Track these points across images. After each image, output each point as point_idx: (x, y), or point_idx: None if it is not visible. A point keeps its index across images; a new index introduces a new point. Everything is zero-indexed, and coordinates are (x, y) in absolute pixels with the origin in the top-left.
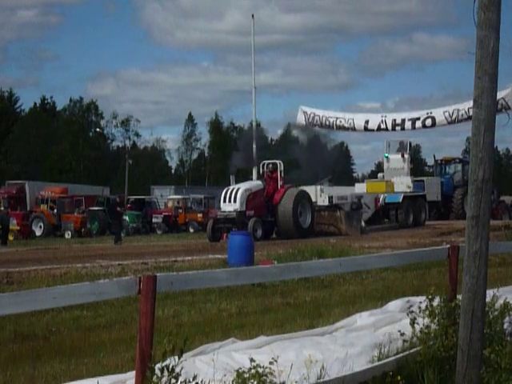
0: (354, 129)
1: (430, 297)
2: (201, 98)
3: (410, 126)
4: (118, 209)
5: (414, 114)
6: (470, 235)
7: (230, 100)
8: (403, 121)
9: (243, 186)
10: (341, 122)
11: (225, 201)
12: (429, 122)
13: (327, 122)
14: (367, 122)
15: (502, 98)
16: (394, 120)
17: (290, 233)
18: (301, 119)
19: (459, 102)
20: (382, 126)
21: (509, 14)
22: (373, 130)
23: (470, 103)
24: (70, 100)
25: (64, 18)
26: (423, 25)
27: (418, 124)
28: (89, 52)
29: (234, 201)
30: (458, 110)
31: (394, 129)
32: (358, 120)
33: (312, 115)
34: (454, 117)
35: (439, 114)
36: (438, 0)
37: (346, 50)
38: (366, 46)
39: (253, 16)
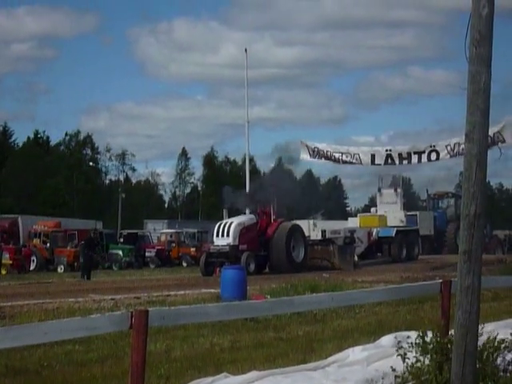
0: (360, 163)
1: (421, 334)
2: (195, 131)
3: (416, 160)
4: (95, 248)
5: (419, 147)
6: (462, 270)
7: (224, 133)
8: (409, 155)
9: (236, 220)
10: (347, 157)
11: (218, 235)
12: (433, 155)
13: (333, 157)
14: (373, 156)
15: (498, 131)
16: (400, 154)
17: (283, 267)
18: (304, 153)
19: (453, 136)
20: (389, 161)
21: (501, 49)
22: (379, 165)
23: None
24: (66, 134)
25: (58, 52)
26: (418, 59)
27: (424, 158)
28: (83, 85)
29: (227, 235)
30: (459, 145)
31: (401, 162)
32: (364, 155)
33: (316, 149)
34: (455, 151)
35: (442, 148)
36: (433, 34)
37: (341, 84)
38: (360, 80)
39: (246, 50)
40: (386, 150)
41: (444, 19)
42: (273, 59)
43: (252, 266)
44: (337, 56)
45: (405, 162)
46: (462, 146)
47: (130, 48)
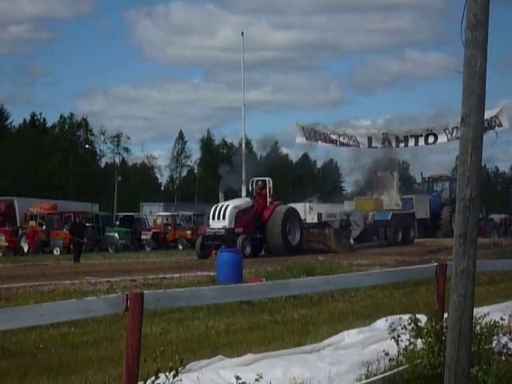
0: (357, 146)
1: (413, 317)
2: (191, 114)
3: (413, 143)
4: (83, 233)
5: (416, 131)
6: (457, 253)
7: (220, 117)
8: (406, 138)
9: (232, 203)
10: (344, 138)
11: (214, 218)
12: (431, 138)
13: (330, 139)
14: (370, 138)
15: (495, 115)
16: (397, 137)
17: (279, 250)
18: (300, 135)
19: (450, 119)
20: (386, 143)
21: (497, 33)
22: (376, 147)
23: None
24: (61, 116)
25: (55, 34)
26: (415, 42)
27: (421, 141)
28: (80, 68)
29: (223, 218)
30: (458, 129)
31: (398, 145)
32: (361, 137)
33: (313, 131)
34: (453, 135)
35: (440, 132)
36: (430, 18)
37: (338, 68)
38: (357, 64)
39: (242, 33)
40: (383, 134)
41: (441, 2)
42: (270, 42)
43: (248, 249)
44: (334, 39)
45: (401, 144)
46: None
47: (127, 31)
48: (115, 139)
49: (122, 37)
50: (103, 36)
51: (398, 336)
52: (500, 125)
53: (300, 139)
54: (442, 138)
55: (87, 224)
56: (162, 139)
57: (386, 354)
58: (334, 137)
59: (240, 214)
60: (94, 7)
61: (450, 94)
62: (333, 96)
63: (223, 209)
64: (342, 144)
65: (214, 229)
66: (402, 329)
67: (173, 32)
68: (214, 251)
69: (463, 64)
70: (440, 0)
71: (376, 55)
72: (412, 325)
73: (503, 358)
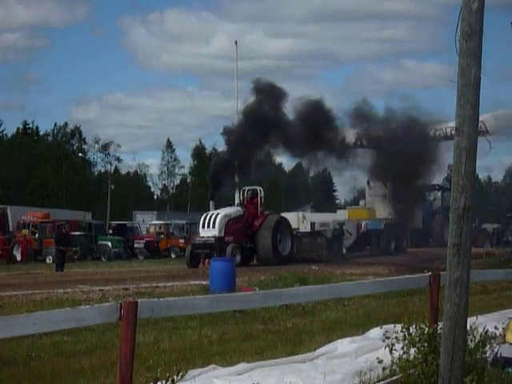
0: None
1: (406, 325)
2: (186, 122)
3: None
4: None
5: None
6: (451, 263)
7: (215, 125)
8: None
9: (222, 212)
10: None
11: (204, 226)
12: None
13: None
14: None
15: (482, 121)
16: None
17: (269, 260)
18: None
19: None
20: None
21: (491, 43)
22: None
23: (449, 124)
24: (55, 125)
25: (49, 41)
26: (411, 51)
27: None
28: (74, 75)
29: (213, 226)
30: (436, 130)
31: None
32: None
33: None
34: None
35: None
36: (425, 27)
37: (333, 76)
38: (352, 73)
39: (236, 42)
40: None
41: (437, 11)
42: (265, 51)
43: (238, 258)
44: (329, 48)
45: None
46: (440, 132)
47: (122, 38)
48: (105, 147)
49: (116, 44)
50: (97, 44)
51: (393, 345)
52: (486, 131)
53: None
54: None
55: (79, 233)
56: (156, 147)
57: (380, 362)
58: None
59: (230, 223)
60: (89, 15)
61: (445, 104)
62: (328, 105)
63: (213, 217)
64: None
65: (203, 237)
66: (397, 339)
67: (167, 40)
68: (207, 260)
69: (457, 74)
70: (436, 9)
71: (371, 64)
72: (404, 332)
73: (497, 368)
